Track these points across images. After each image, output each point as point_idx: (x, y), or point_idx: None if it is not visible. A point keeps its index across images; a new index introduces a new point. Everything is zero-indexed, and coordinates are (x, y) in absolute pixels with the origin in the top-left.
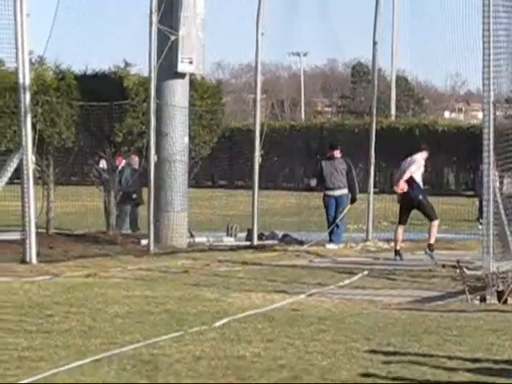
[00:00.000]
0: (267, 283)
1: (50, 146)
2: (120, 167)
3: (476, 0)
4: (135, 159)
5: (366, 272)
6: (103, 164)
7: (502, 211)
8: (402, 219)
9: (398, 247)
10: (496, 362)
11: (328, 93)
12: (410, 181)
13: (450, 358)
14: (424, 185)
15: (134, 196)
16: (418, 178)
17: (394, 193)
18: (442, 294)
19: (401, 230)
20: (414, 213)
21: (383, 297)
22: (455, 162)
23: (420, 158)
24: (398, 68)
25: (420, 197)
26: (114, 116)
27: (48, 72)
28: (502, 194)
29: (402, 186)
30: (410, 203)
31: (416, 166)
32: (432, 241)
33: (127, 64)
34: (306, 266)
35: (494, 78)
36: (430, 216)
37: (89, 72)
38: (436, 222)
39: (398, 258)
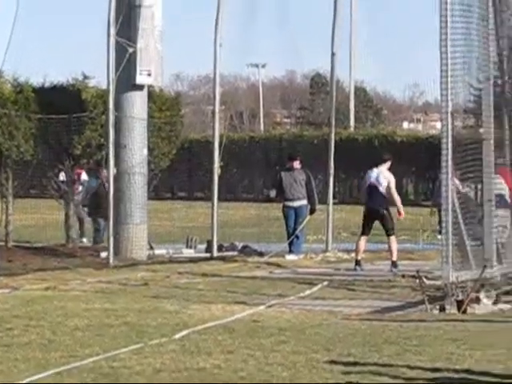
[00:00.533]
0: (227, 295)
1: (8, 159)
2: (83, 180)
3: (434, 11)
4: (104, 172)
5: (325, 283)
6: (63, 176)
7: (461, 221)
8: (365, 230)
9: (358, 257)
10: (456, 371)
11: (287, 104)
12: (377, 194)
13: (409, 367)
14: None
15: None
16: (384, 191)
17: (355, 203)
18: (401, 304)
19: (363, 240)
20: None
21: (343, 307)
22: (414, 173)
23: (386, 169)
24: (357, 79)
25: (384, 211)
26: (72, 129)
27: (6, 85)
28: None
29: (402, 213)
30: (375, 215)
31: (392, 181)
32: (395, 257)
33: (85, 76)
34: (266, 277)
35: (452, 88)
36: (388, 230)
37: (47, 85)
38: (394, 238)
39: (358, 268)
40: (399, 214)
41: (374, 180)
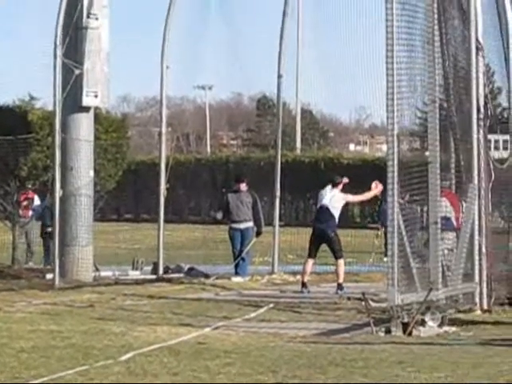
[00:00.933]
0: (173, 317)
1: None
2: (35, 205)
3: (380, 35)
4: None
5: (271, 305)
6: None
7: (407, 243)
8: (312, 252)
9: (305, 279)
10: None
11: (233, 126)
12: (328, 216)
13: None
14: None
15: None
16: (336, 214)
17: (300, 225)
18: (347, 327)
19: (310, 263)
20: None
21: (289, 329)
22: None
23: (339, 191)
24: (303, 101)
25: (332, 234)
26: (18, 150)
27: None
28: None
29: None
30: (321, 238)
31: (349, 197)
32: (341, 280)
33: (32, 97)
34: (212, 299)
35: (398, 110)
36: (336, 253)
37: None
38: (342, 261)
39: (304, 290)
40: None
41: (326, 202)
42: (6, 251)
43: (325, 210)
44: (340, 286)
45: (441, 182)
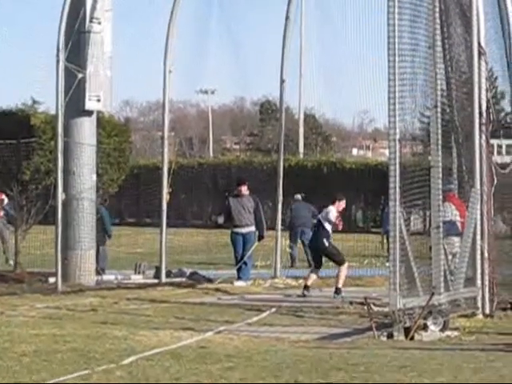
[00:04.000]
0: (175, 321)
1: None
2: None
3: (383, 39)
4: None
5: (273, 309)
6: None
7: (409, 247)
8: (317, 264)
9: (308, 283)
10: None
11: (236, 130)
12: (323, 230)
13: None
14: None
15: None
16: (329, 228)
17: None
18: (349, 331)
19: (316, 273)
20: None
21: (291, 334)
22: (363, 199)
23: (335, 208)
24: (306, 106)
25: (325, 246)
26: (21, 154)
27: None
28: (408, 231)
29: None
30: (320, 252)
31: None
32: (340, 284)
33: (35, 101)
34: (214, 303)
35: (400, 115)
36: (337, 262)
37: None
38: (345, 266)
39: (306, 292)
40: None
41: (321, 217)
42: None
43: (318, 225)
44: (338, 290)
45: (447, 186)
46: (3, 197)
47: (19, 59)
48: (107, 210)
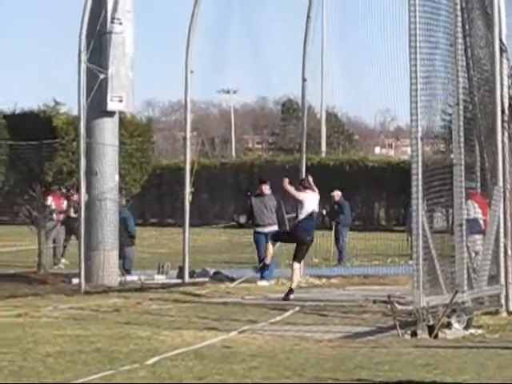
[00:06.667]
0: (198, 321)
1: None
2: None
3: (404, 37)
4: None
5: (297, 308)
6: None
7: (432, 245)
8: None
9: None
10: None
11: (258, 130)
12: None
13: None
14: (354, 220)
15: None
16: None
17: (324, 228)
18: (373, 330)
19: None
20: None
21: (314, 333)
22: (386, 198)
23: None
24: (328, 104)
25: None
26: (43, 155)
27: None
28: (431, 228)
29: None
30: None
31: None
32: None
33: (57, 103)
34: (238, 302)
35: (423, 113)
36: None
37: (18, 111)
38: (299, 265)
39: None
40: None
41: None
42: (32, 257)
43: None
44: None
45: (469, 184)
46: (75, 197)
47: (41, 60)
48: (129, 210)
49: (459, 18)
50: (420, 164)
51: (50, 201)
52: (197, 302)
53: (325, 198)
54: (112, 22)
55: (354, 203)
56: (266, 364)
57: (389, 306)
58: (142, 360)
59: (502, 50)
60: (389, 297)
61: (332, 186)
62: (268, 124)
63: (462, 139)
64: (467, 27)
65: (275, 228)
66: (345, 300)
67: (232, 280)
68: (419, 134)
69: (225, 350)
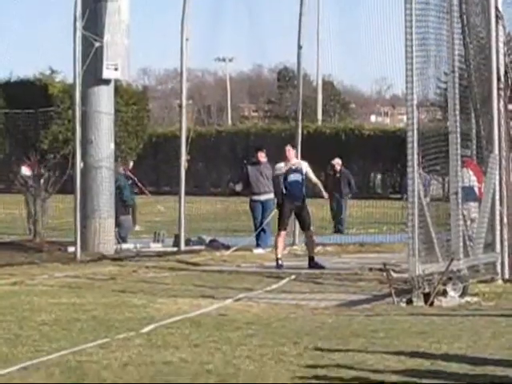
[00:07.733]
0: (194, 288)
1: None
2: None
3: (400, 5)
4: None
5: (293, 276)
6: (25, 171)
7: (427, 213)
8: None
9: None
10: (422, 363)
11: (254, 98)
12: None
13: (376, 360)
14: (351, 188)
15: None
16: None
17: (317, 197)
18: (368, 297)
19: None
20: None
21: (310, 301)
22: (382, 166)
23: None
24: (324, 72)
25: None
26: (39, 123)
27: None
28: (426, 196)
29: None
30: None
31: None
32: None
33: (53, 71)
34: (233, 270)
35: (417, 81)
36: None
37: (13, 79)
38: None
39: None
40: None
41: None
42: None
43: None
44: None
45: (464, 152)
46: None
47: (36, 28)
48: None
49: None
50: (416, 132)
51: (24, 170)
52: (192, 270)
53: (322, 166)
54: None
55: (350, 171)
56: (262, 332)
57: (384, 274)
58: (137, 328)
59: (497, 18)
60: (384, 264)
61: (328, 154)
62: (264, 92)
63: (458, 107)
64: None
65: (271, 196)
66: (340, 268)
67: (228, 248)
68: (415, 102)
69: (220, 317)
